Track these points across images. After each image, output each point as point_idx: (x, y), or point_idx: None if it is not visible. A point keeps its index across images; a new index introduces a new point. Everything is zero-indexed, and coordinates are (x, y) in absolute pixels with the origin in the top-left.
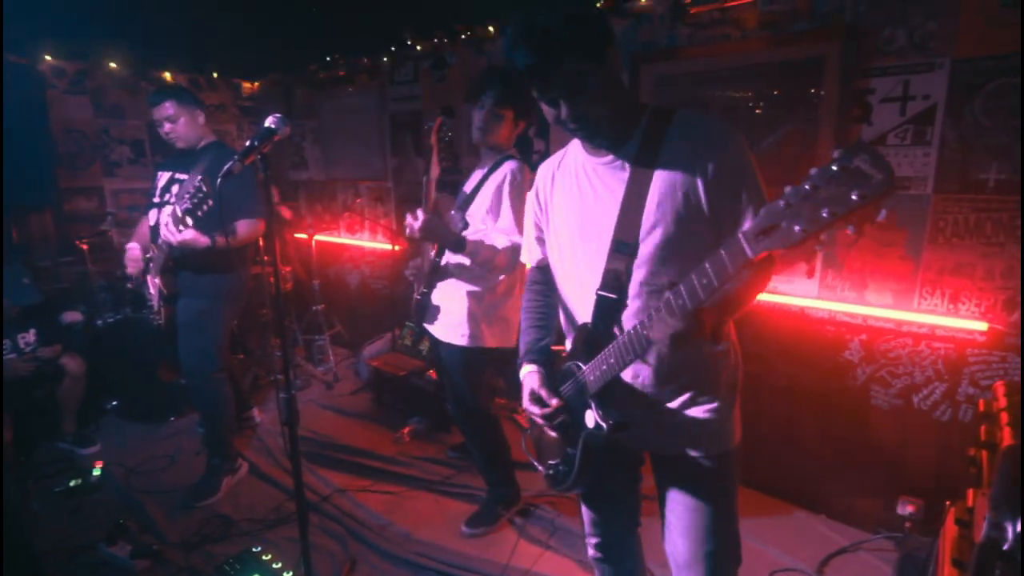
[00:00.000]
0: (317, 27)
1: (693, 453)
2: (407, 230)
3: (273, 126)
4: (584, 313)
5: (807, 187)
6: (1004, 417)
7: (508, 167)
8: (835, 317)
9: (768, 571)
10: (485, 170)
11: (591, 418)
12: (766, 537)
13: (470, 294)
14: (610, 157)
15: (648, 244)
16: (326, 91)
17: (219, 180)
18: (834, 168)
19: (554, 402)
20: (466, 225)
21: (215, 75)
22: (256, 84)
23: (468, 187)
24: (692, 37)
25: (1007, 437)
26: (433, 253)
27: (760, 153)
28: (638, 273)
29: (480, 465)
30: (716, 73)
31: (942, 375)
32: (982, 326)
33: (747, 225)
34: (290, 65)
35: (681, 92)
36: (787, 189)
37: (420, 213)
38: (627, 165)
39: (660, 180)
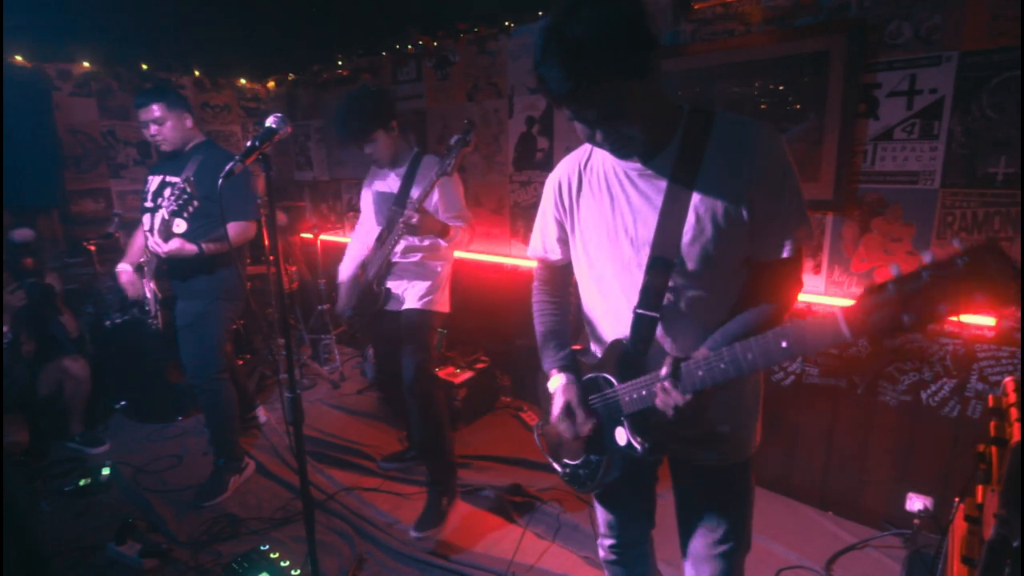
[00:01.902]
0: (320, 27)
1: (715, 460)
2: (402, 227)
3: (274, 126)
4: (617, 328)
5: (925, 276)
6: (1014, 413)
7: (431, 166)
8: None
9: (776, 569)
10: (404, 169)
11: (623, 436)
12: (774, 535)
13: (431, 271)
14: (647, 162)
15: (688, 260)
16: (330, 91)
17: (220, 181)
18: (959, 263)
19: (586, 429)
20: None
21: (219, 77)
22: (260, 85)
23: (391, 187)
24: (696, 33)
25: (1017, 433)
26: (380, 253)
27: None
28: (677, 289)
29: (430, 446)
30: (720, 69)
31: (951, 371)
32: (991, 321)
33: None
34: (294, 65)
35: (685, 89)
36: (894, 271)
37: (411, 213)
38: (665, 174)
39: (701, 192)
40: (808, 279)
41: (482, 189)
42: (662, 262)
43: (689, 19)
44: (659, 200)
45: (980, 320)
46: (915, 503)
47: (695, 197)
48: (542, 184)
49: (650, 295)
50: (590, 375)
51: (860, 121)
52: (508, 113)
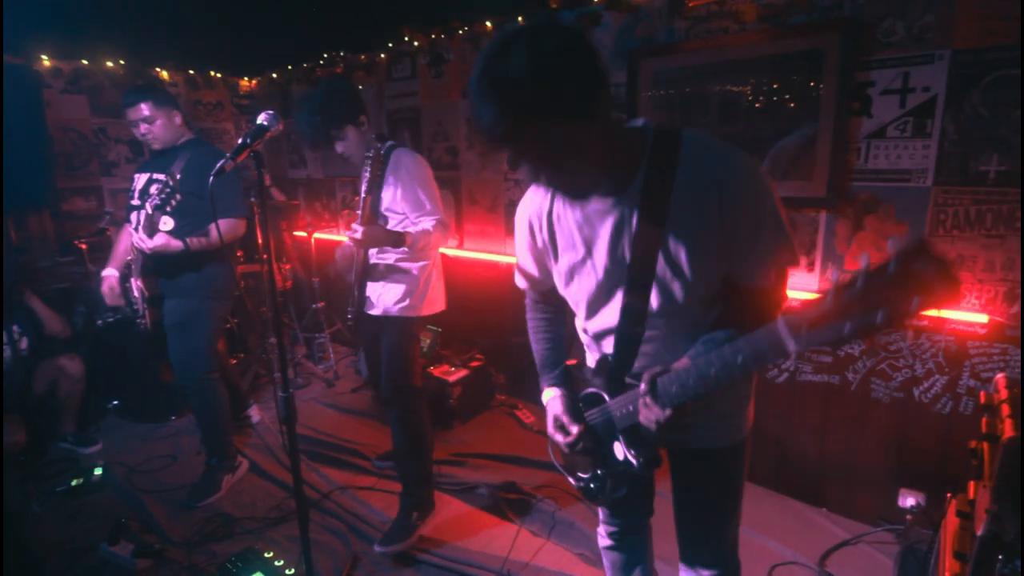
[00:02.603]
0: (314, 24)
1: (705, 444)
2: (349, 242)
3: (265, 123)
4: (603, 344)
5: (859, 286)
6: (1005, 409)
7: (399, 161)
8: None
9: (770, 565)
10: (368, 171)
11: (620, 451)
12: (768, 531)
13: (408, 273)
14: (612, 200)
15: (664, 285)
16: None
17: (211, 178)
18: (890, 269)
19: (575, 430)
20: (386, 220)
21: (212, 73)
22: (253, 82)
23: (363, 191)
24: (690, 31)
25: (1008, 429)
26: (358, 256)
27: (758, 147)
28: (657, 311)
29: (404, 454)
30: (715, 67)
31: (943, 368)
32: (983, 318)
33: (783, 317)
34: (287, 62)
35: (679, 87)
36: (834, 278)
37: (356, 227)
38: (635, 205)
39: (673, 220)
40: (801, 277)
41: (477, 187)
42: (641, 285)
43: (683, 16)
44: (631, 227)
45: (972, 317)
46: (908, 499)
47: (668, 224)
48: None
49: (631, 314)
50: (587, 391)
51: (854, 119)
52: None
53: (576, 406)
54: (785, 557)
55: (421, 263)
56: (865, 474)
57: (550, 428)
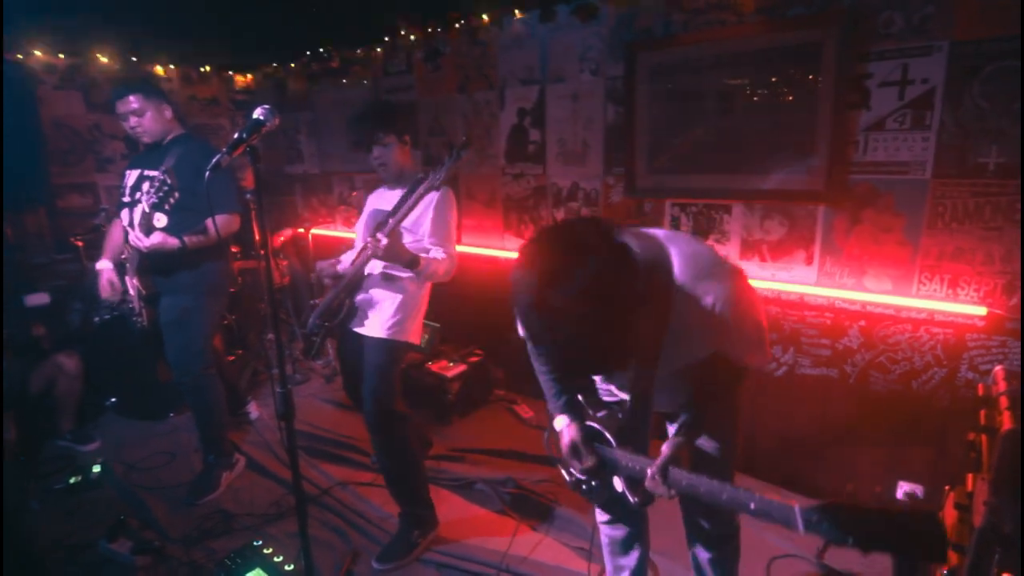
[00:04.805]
0: (309, 18)
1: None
2: (370, 249)
3: (261, 117)
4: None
5: (876, 519)
6: (1003, 401)
7: (434, 191)
8: (834, 304)
9: (769, 558)
10: (403, 191)
11: (619, 484)
12: (766, 524)
13: (402, 293)
14: None
15: None
16: (319, 83)
17: (207, 173)
18: (904, 529)
19: (591, 461)
20: (399, 237)
21: (207, 69)
22: (249, 77)
23: (385, 205)
24: (688, 23)
25: (1007, 421)
26: (352, 263)
27: (756, 140)
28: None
29: (394, 480)
30: (712, 59)
31: (941, 360)
32: (981, 311)
33: None
34: (283, 57)
35: (677, 79)
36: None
37: (381, 236)
38: None
39: None
40: (800, 271)
41: (474, 182)
42: None
43: (682, 9)
44: None
45: (970, 310)
46: (906, 491)
47: None
48: (534, 177)
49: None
50: (592, 424)
51: (852, 112)
52: (499, 105)
53: (588, 435)
54: (783, 549)
55: (418, 285)
56: (863, 466)
57: (565, 450)
